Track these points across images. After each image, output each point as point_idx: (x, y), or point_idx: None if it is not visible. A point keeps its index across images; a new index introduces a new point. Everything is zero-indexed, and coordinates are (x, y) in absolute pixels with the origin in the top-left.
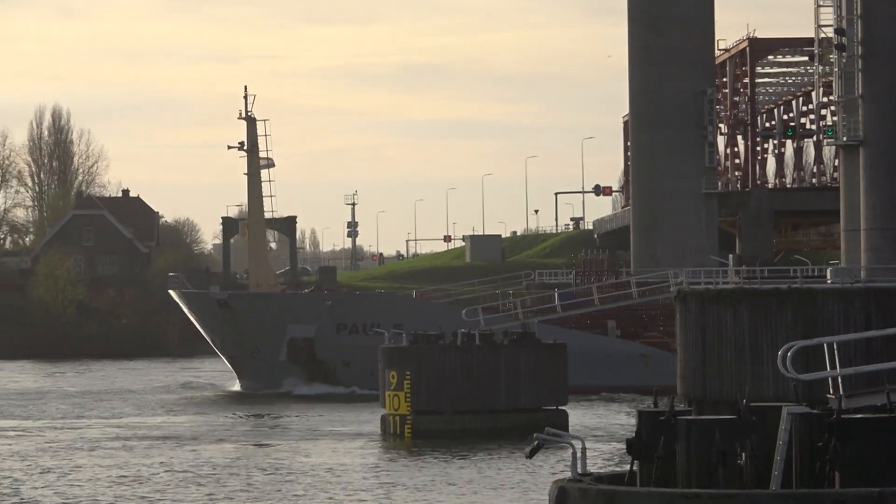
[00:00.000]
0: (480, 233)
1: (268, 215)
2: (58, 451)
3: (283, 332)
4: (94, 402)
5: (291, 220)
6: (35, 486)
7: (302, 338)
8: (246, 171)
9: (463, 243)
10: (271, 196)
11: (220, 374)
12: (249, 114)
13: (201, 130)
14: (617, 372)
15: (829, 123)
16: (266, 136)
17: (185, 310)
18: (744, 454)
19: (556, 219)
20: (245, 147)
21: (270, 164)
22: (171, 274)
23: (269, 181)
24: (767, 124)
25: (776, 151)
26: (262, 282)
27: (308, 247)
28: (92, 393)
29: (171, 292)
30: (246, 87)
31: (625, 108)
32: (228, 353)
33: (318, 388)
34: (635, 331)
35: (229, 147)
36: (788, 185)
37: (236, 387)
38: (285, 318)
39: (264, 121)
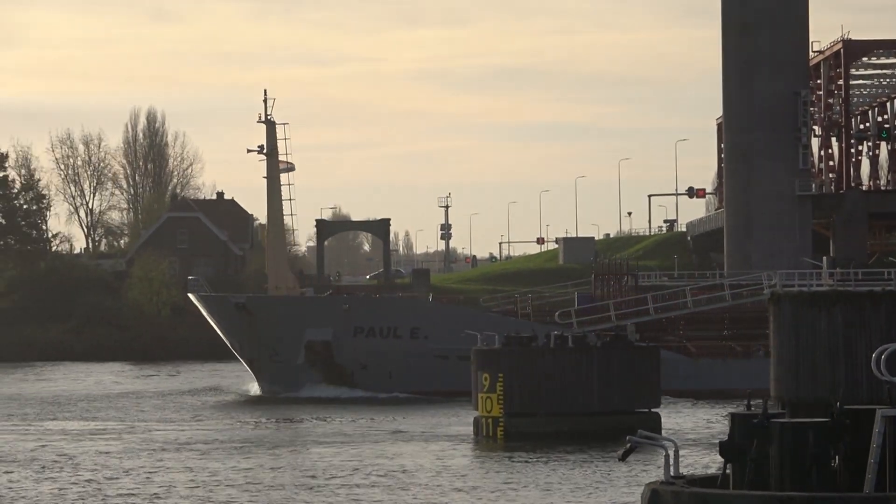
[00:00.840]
0: (573, 235)
1: (287, 219)
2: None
3: (301, 336)
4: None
5: (385, 223)
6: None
7: (319, 341)
8: (265, 175)
9: (556, 245)
10: (290, 199)
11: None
12: (269, 117)
13: (294, 133)
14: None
15: None
16: (286, 139)
17: (205, 313)
18: (837, 457)
19: (650, 221)
20: (265, 151)
21: (290, 167)
22: (189, 277)
23: (289, 185)
24: (862, 126)
25: (870, 153)
26: (280, 285)
27: (401, 249)
28: (184, 392)
29: (190, 295)
30: (266, 91)
31: (718, 110)
32: (247, 356)
33: (336, 392)
34: (653, 334)
35: (248, 151)
36: (883, 187)
37: (255, 390)
38: (303, 322)
39: (284, 124)
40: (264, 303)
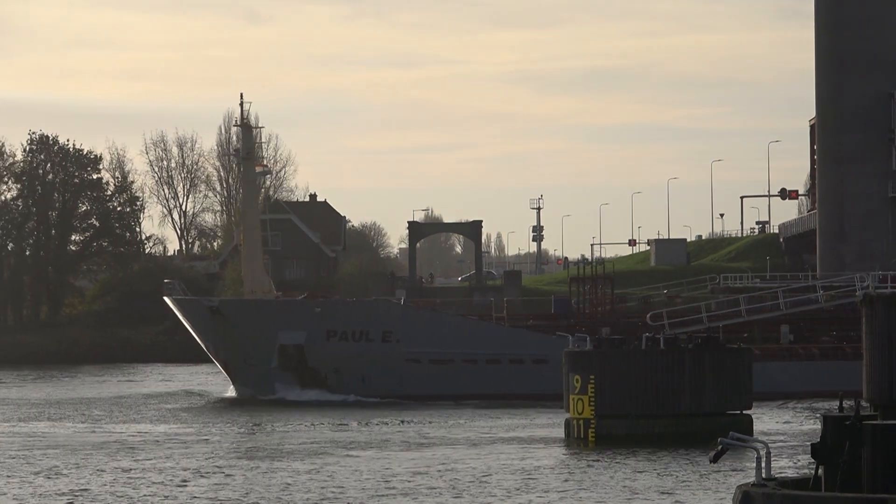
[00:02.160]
0: (665, 236)
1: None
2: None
3: (275, 339)
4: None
5: (477, 225)
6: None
7: (292, 345)
8: (242, 178)
9: (648, 247)
10: (266, 202)
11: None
12: (245, 121)
13: (386, 135)
14: None
15: None
16: (263, 143)
17: (180, 316)
18: None
19: (742, 222)
20: (241, 154)
21: (266, 171)
22: (166, 281)
23: (266, 188)
24: None
25: None
26: (256, 289)
27: (493, 251)
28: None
29: (166, 299)
30: (242, 95)
31: (811, 112)
32: (221, 359)
33: (310, 395)
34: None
35: (226, 154)
36: None
37: (230, 392)
38: (276, 325)
39: (260, 128)
40: (237, 306)
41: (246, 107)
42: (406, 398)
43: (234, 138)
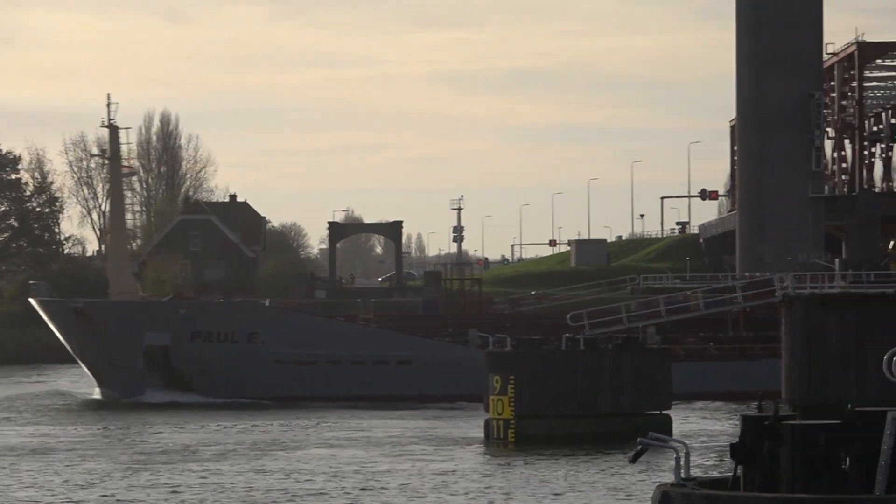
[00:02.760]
0: (586, 237)
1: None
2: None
3: (140, 341)
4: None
5: (397, 225)
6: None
7: (158, 346)
8: (108, 179)
9: (568, 248)
10: (133, 203)
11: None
12: (112, 122)
13: (307, 136)
14: (473, 382)
15: None
16: (128, 144)
17: (45, 318)
18: (848, 459)
19: (662, 223)
20: (107, 155)
21: (133, 172)
22: (31, 282)
23: (132, 189)
24: (875, 128)
25: (884, 155)
26: (122, 290)
27: (414, 251)
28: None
29: (31, 300)
30: (109, 96)
31: (732, 113)
32: (87, 361)
33: (176, 397)
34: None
35: (91, 155)
36: None
37: (96, 394)
38: (141, 327)
39: (126, 129)
40: (102, 308)
41: (113, 108)
42: (271, 399)
43: (100, 139)
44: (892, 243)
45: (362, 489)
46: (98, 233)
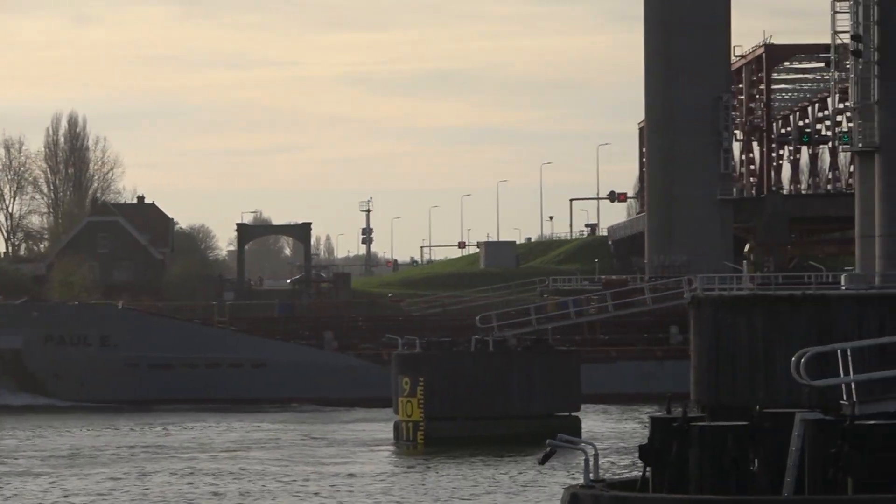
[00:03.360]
0: (495, 239)
1: None
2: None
3: None
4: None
5: (306, 227)
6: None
7: (9, 349)
8: None
9: (477, 250)
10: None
11: None
12: None
13: (216, 137)
14: (330, 385)
15: (845, 129)
16: None
17: None
18: (756, 460)
19: (571, 225)
20: None
21: None
22: None
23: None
24: (783, 130)
25: (792, 157)
26: None
27: (322, 253)
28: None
29: None
30: None
31: (640, 115)
32: None
33: (28, 400)
34: (350, 343)
35: None
36: (804, 192)
37: None
38: None
39: None
40: None
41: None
42: (126, 403)
43: None
44: (747, 246)
45: (263, 491)
46: (4, 234)
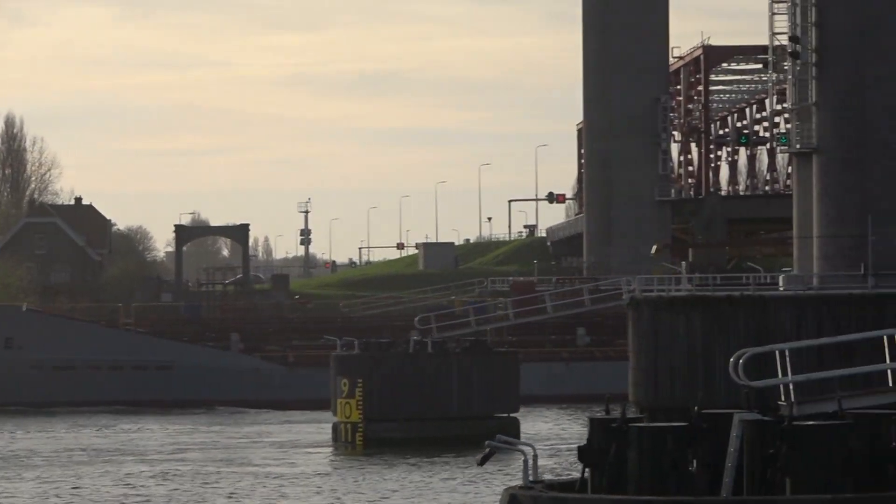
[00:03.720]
0: (433, 240)
1: None
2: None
3: None
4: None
5: (244, 228)
6: None
7: None
8: None
9: (416, 251)
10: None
11: None
12: None
13: (154, 138)
14: (233, 387)
15: (783, 131)
16: None
17: None
18: (695, 461)
19: (510, 226)
20: None
21: None
22: None
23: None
24: (721, 132)
25: (730, 159)
26: None
27: (261, 254)
28: None
29: None
30: None
31: (579, 116)
32: None
33: None
34: (257, 345)
35: None
36: (742, 193)
37: None
38: None
39: None
40: None
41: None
42: (30, 405)
43: None
44: (654, 247)
45: (189, 495)
46: None
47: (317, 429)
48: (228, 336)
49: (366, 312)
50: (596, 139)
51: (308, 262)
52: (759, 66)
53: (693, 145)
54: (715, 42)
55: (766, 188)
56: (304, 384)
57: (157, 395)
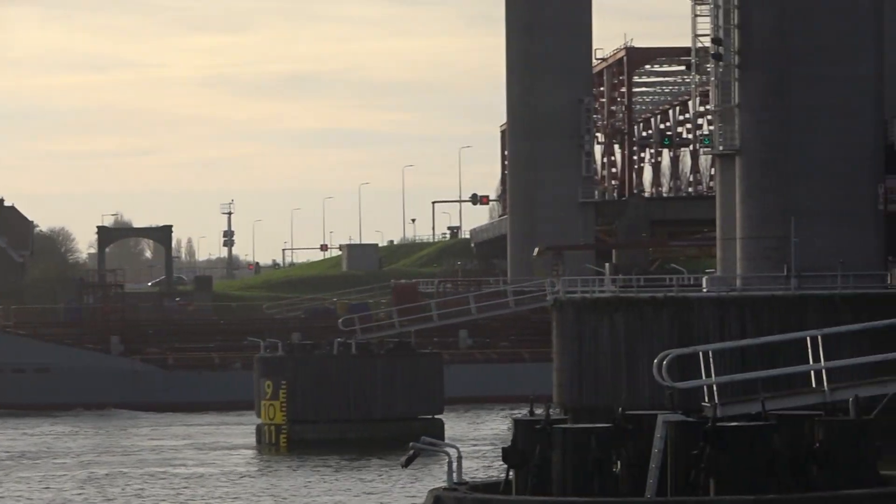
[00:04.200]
0: (357, 242)
1: None
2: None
3: None
4: None
5: (167, 230)
6: None
7: None
8: None
9: (340, 252)
10: None
11: None
12: None
13: (76, 140)
14: (112, 390)
15: (706, 132)
16: None
17: None
18: (619, 462)
19: (433, 228)
20: None
21: None
22: None
23: None
24: (644, 133)
25: (653, 160)
26: None
27: (184, 256)
28: None
29: None
30: None
31: (502, 118)
32: None
33: None
34: (137, 347)
35: None
36: (665, 194)
37: None
38: None
39: None
40: None
41: None
42: None
43: None
44: (536, 249)
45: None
46: None
47: (200, 431)
48: (109, 339)
49: (289, 314)
50: (519, 141)
51: (231, 263)
52: (682, 67)
53: (616, 147)
54: (638, 44)
55: (690, 190)
56: (184, 387)
57: (35, 399)
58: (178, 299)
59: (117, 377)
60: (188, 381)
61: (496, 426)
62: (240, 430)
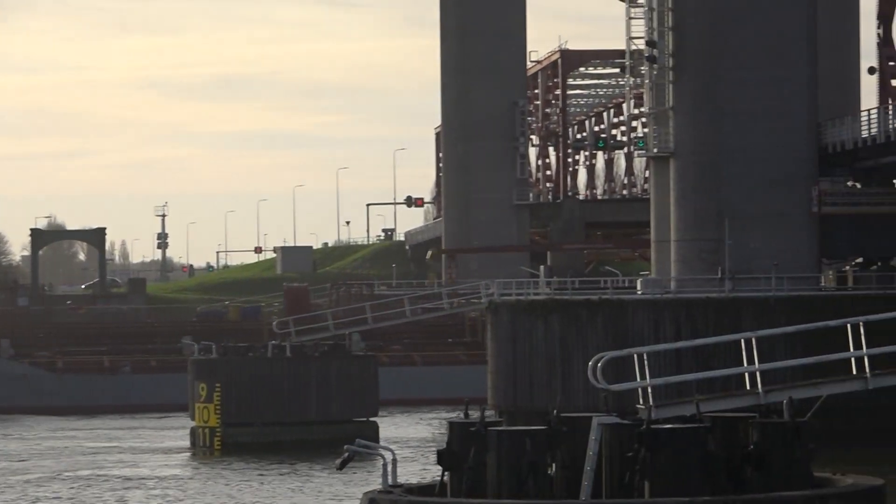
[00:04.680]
0: (291, 244)
1: None
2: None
3: None
4: None
5: (100, 232)
6: None
7: None
8: None
9: (274, 255)
10: None
11: None
12: None
13: (8, 142)
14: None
15: (640, 135)
16: None
17: None
18: (554, 464)
19: (368, 230)
20: None
21: None
22: None
23: None
24: (579, 136)
25: (587, 163)
26: None
27: (117, 258)
28: None
29: None
30: None
31: (437, 120)
32: None
33: None
34: (28, 350)
35: None
36: (599, 197)
37: None
38: None
39: None
40: None
41: None
42: None
43: None
44: (429, 253)
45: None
46: None
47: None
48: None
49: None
50: (454, 143)
51: (165, 266)
52: (617, 70)
53: (551, 149)
54: (572, 46)
55: (624, 192)
56: (74, 390)
57: None
58: (68, 302)
59: (7, 381)
60: (78, 384)
61: (431, 429)
62: (162, 435)
